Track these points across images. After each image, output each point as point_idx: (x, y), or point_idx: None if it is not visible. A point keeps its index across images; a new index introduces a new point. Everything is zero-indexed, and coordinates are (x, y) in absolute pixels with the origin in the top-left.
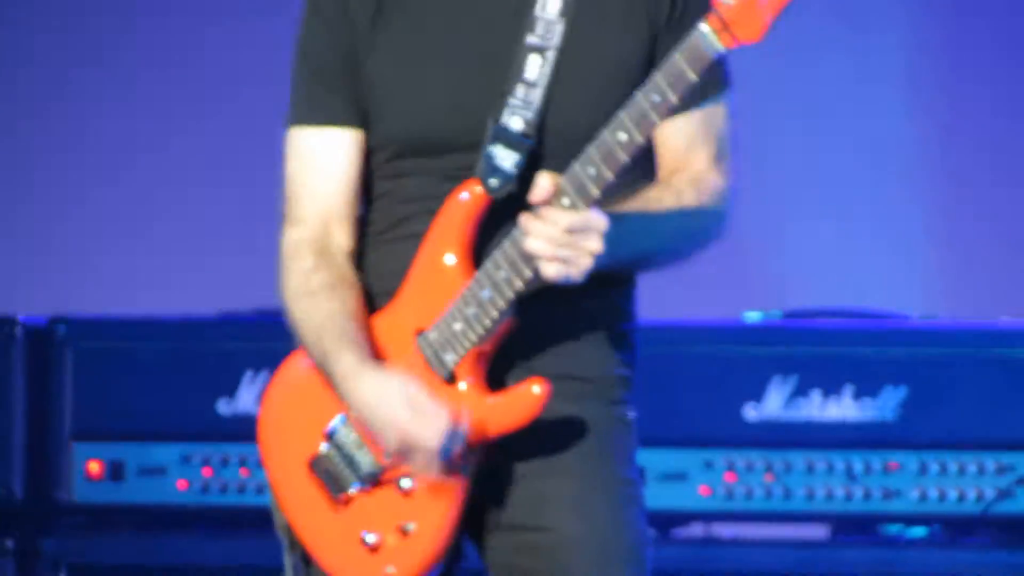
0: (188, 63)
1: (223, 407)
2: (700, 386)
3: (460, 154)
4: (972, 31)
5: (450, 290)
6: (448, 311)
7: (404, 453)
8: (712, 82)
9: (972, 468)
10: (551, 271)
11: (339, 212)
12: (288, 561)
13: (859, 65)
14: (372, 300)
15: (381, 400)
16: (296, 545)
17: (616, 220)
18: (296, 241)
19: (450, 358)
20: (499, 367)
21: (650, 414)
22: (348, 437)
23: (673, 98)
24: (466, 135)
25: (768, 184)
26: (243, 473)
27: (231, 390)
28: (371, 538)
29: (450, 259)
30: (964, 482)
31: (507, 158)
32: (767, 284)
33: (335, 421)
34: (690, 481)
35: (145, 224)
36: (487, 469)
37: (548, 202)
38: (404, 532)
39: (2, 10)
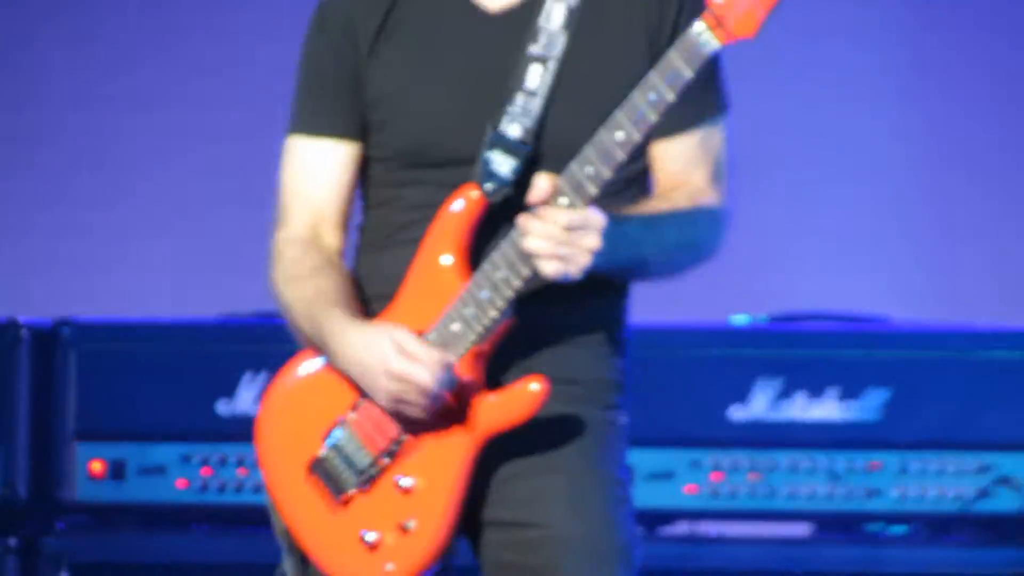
0: (189, 72)
1: (222, 408)
2: (687, 387)
3: (461, 166)
4: (957, 41)
5: (448, 293)
6: (446, 312)
7: (398, 397)
8: (710, 104)
9: (952, 468)
10: (550, 269)
11: (329, 218)
12: (287, 564)
13: (844, 74)
14: (370, 304)
15: (369, 348)
16: (295, 548)
17: (614, 223)
18: (284, 238)
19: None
20: (496, 369)
21: (638, 414)
22: (347, 439)
23: (670, 96)
24: (467, 148)
25: (755, 191)
26: (241, 472)
27: (230, 391)
28: (371, 536)
29: (447, 262)
30: (944, 481)
31: (504, 164)
32: (753, 288)
33: (333, 425)
34: (677, 480)
35: (147, 229)
36: (482, 466)
37: (546, 202)
38: (404, 530)
39: (11, 20)
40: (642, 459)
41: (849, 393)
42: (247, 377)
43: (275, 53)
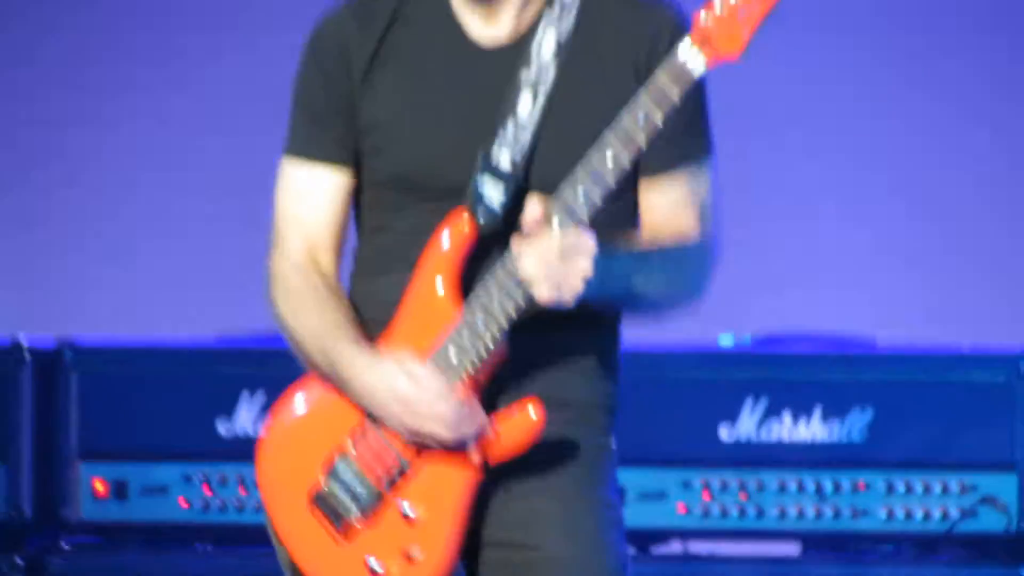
0: (190, 94)
1: (222, 428)
2: (677, 408)
3: (453, 194)
4: (946, 55)
5: (442, 321)
6: (443, 342)
7: (411, 423)
8: (695, 146)
9: (937, 488)
10: (544, 293)
11: (324, 242)
12: None
13: (834, 95)
14: (365, 328)
15: (382, 377)
16: None
17: (604, 255)
18: (284, 266)
19: None
20: (491, 394)
21: (630, 435)
22: (348, 469)
23: (657, 117)
24: (458, 176)
25: (740, 214)
26: (241, 492)
27: (230, 412)
28: (376, 565)
29: (441, 291)
30: (929, 501)
31: (494, 191)
32: (739, 311)
33: (333, 456)
34: (668, 500)
35: (148, 253)
36: (478, 488)
37: (538, 225)
38: (409, 558)
39: (11, 40)
40: (634, 479)
41: (836, 414)
42: (246, 397)
43: (277, 76)
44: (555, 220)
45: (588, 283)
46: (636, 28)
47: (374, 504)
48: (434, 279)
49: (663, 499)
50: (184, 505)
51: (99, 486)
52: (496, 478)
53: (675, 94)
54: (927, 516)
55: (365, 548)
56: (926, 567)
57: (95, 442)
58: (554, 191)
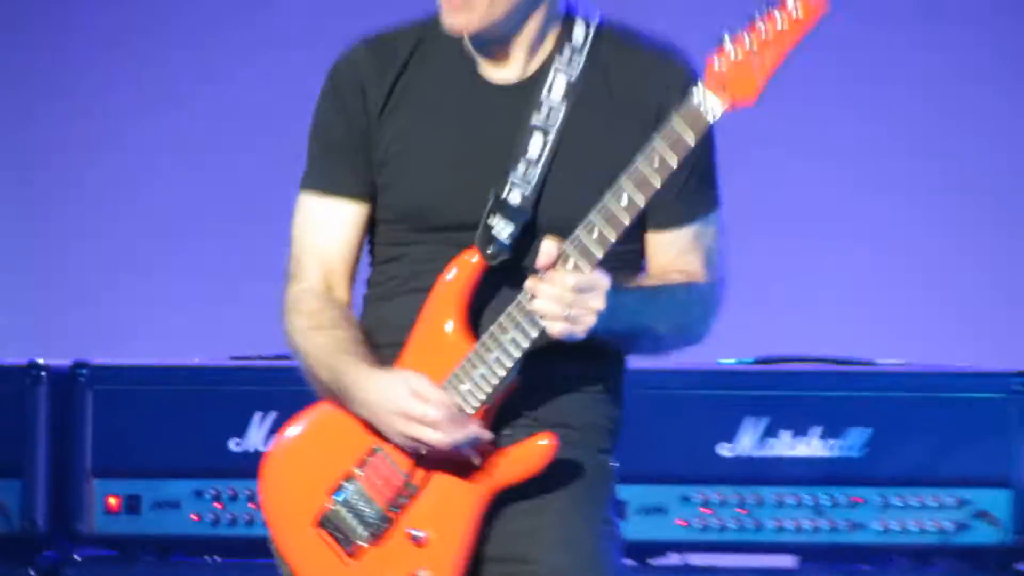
0: (207, 122)
1: (233, 446)
2: (677, 426)
3: (463, 230)
4: (943, 71)
5: (451, 354)
6: (455, 372)
7: (405, 429)
8: (704, 202)
9: (932, 503)
10: (557, 329)
11: (339, 273)
12: None
13: (834, 118)
14: (377, 352)
15: (386, 392)
16: None
17: (614, 291)
18: (299, 291)
19: None
20: (497, 416)
21: (631, 452)
22: (356, 493)
23: (673, 161)
24: (468, 213)
25: (739, 240)
26: (252, 507)
27: (241, 430)
28: None
29: (450, 325)
30: (924, 515)
31: (504, 229)
32: (739, 332)
33: (342, 479)
34: (668, 514)
35: (161, 276)
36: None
37: (553, 265)
38: None
39: (36, 59)
40: (636, 494)
41: (832, 431)
42: (257, 417)
43: (297, 104)
44: (570, 260)
45: (599, 319)
46: (647, 77)
47: (382, 527)
48: (444, 313)
49: (663, 513)
50: (195, 519)
51: (112, 501)
52: (500, 496)
53: (690, 138)
54: (922, 529)
55: (373, 570)
56: None
57: (109, 459)
58: (563, 227)
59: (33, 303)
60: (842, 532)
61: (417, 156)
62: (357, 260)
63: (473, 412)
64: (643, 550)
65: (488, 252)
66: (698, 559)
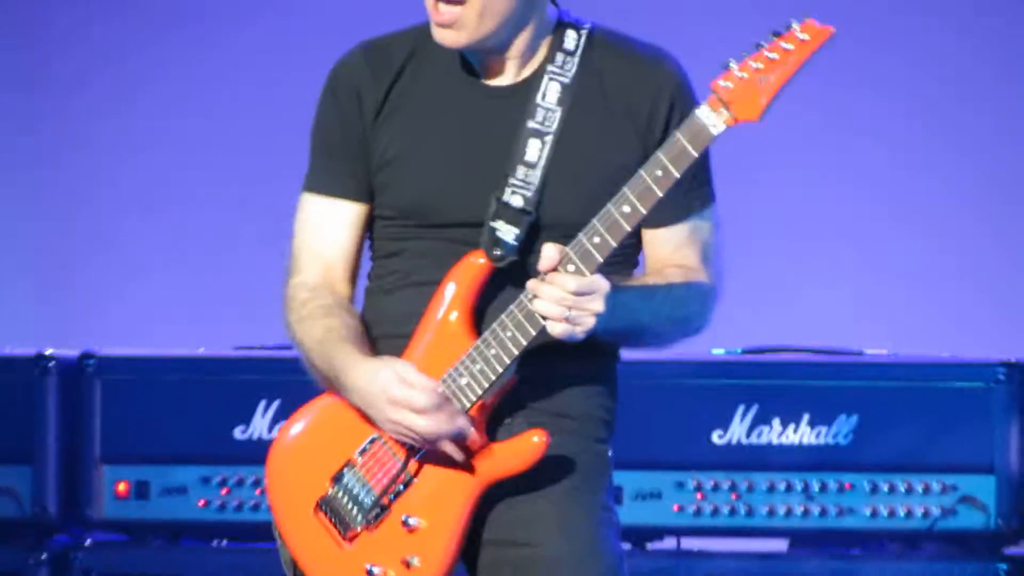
0: (210, 116)
1: (238, 433)
2: (672, 414)
3: (462, 227)
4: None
5: (454, 350)
6: (454, 366)
7: (398, 423)
8: (698, 198)
9: (919, 488)
10: (558, 330)
11: (338, 269)
12: None
13: (817, 114)
14: (377, 343)
15: (375, 378)
16: None
17: (613, 291)
18: (294, 284)
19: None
20: (498, 407)
21: (628, 440)
22: (355, 479)
23: (676, 173)
24: (465, 211)
25: (734, 237)
26: (256, 492)
27: (246, 418)
28: (376, 571)
29: (455, 322)
30: (911, 501)
31: (508, 232)
32: (733, 324)
33: (342, 466)
34: (664, 500)
35: (166, 268)
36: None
37: (555, 268)
38: (408, 566)
39: (46, 60)
40: (632, 480)
41: (822, 419)
42: (262, 405)
43: (297, 99)
44: (572, 264)
45: (599, 320)
46: (639, 80)
47: (377, 513)
48: (448, 313)
49: (659, 499)
50: (202, 504)
51: (121, 487)
52: (498, 482)
53: (694, 152)
54: (909, 514)
55: (366, 555)
56: (908, 562)
57: (117, 446)
58: (565, 227)
59: (42, 297)
60: (831, 517)
61: (415, 156)
62: (358, 257)
63: (470, 406)
64: (640, 534)
65: (494, 255)
66: (692, 543)
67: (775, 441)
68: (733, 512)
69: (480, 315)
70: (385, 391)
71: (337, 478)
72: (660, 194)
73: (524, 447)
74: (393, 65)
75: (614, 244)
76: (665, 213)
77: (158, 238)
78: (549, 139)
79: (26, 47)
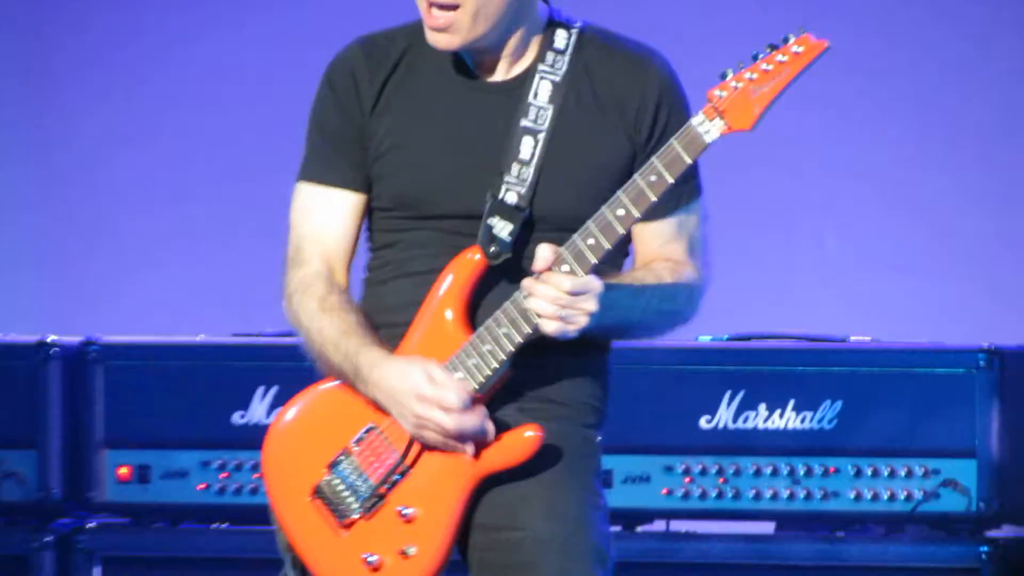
0: (209, 108)
1: (237, 419)
2: (660, 400)
3: (456, 218)
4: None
5: (449, 345)
6: (450, 360)
7: (420, 410)
8: (686, 193)
9: (902, 472)
10: (551, 328)
11: (339, 259)
12: None
13: (808, 106)
14: (375, 332)
15: (404, 376)
16: (297, 563)
17: (607, 289)
18: (304, 276)
19: None
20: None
21: (617, 424)
22: (351, 467)
23: (669, 179)
24: (459, 203)
25: (721, 226)
26: (254, 476)
27: (245, 404)
28: (373, 559)
29: (449, 317)
30: (895, 484)
31: (503, 228)
32: (720, 312)
33: (338, 453)
34: (652, 483)
35: (167, 257)
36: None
37: (550, 268)
38: (404, 555)
39: (53, 55)
40: (622, 464)
41: (807, 404)
42: (260, 391)
43: (295, 92)
44: (566, 264)
45: (591, 318)
46: (627, 79)
47: (373, 502)
48: (443, 308)
49: (647, 482)
50: (202, 488)
51: (123, 471)
52: (486, 479)
53: (688, 159)
54: (893, 497)
55: (362, 543)
56: (892, 544)
57: (119, 431)
58: (559, 223)
59: (45, 285)
60: (816, 500)
61: (410, 149)
62: (354, 246)
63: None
64: (629, 517)
65: (490, 251)
66: (681, 525)
67: (761, 426)
68: (720, 495)
69: (474, 310)
70: (416, 389)
71: (333, 465)
72: (654, 198)
73: (519, 442)
74: (389, 59)
75: (608, 246)
76: (655, 208)
77: (159, 228)
78: (542, 137)
79: (30, 39)
